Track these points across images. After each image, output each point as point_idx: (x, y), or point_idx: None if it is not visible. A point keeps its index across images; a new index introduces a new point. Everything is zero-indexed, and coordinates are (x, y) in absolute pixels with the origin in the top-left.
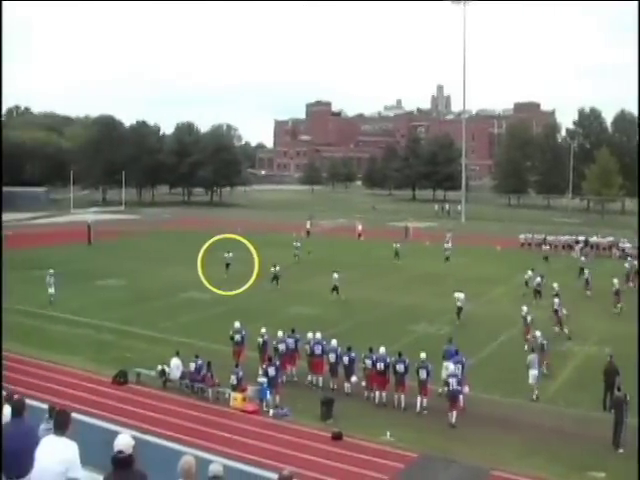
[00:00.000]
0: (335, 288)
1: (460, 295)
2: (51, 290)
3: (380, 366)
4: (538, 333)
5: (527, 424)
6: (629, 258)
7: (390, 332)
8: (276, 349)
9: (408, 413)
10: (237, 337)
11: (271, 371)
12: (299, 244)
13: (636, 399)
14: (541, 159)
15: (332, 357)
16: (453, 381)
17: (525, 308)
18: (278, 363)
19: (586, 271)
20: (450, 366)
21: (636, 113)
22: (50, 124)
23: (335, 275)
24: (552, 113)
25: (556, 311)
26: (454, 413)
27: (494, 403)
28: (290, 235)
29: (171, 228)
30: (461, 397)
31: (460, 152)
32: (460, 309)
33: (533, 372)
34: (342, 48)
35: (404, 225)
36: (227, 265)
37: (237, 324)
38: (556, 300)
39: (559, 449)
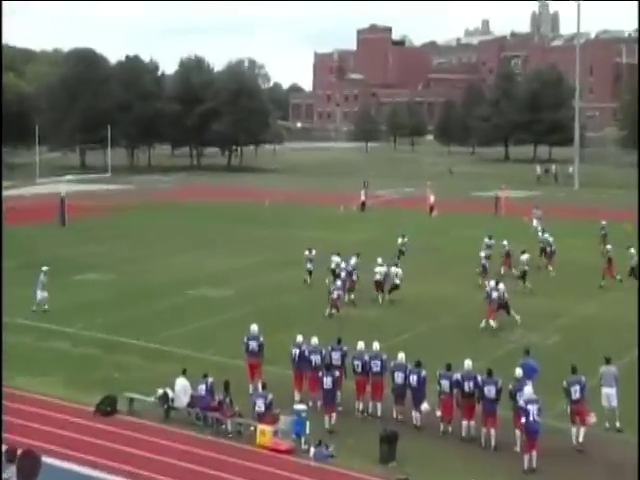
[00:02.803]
0: (336, 273)
1: None
2: (43, 294)
3: (468, 386)
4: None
5: None
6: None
7: (475, 342)
8: (310, 361)
9: (500, 454)
10: (252, 345)
11: (327, 382)
12: (313, 254)
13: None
14: None
15: (399, 377)
16: (533, 409)
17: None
18: (334, 376)
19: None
20: (528, 388)
21: None
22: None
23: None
24: None
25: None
26: (533, 454)
27: (624, 442)
28: (337, 210)
29: (175, 201)
30: (573, 431)
31: (572, 92)
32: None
33: (607, 391)
34: None
35: (493, 195)
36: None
37: (254, 328)
38: None
39: None
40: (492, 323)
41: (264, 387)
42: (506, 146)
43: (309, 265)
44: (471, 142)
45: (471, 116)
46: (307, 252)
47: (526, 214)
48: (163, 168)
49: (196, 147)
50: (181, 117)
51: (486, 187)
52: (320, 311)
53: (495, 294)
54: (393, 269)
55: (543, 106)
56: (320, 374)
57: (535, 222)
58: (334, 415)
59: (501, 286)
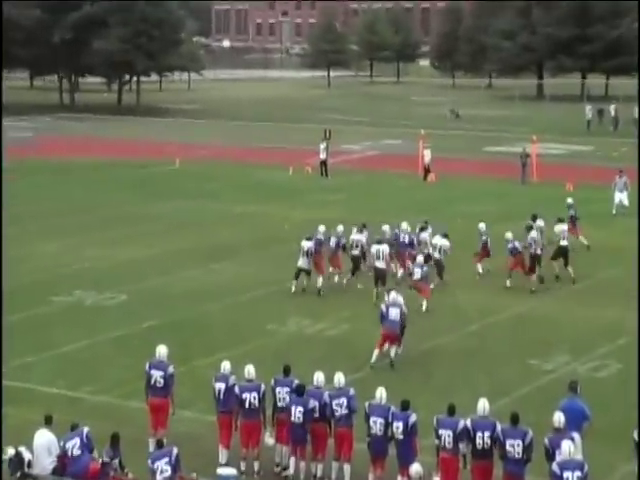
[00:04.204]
0: (302, 272)
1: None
2: None
3: (482, 439)
4: None
5: None
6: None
7: (492, 372)
8: (242, 402)
9: None
10: (156, 377)
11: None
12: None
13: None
14: None
15: (376, 424)
16: (572, 477)
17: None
18: (307, 406)
19: None
20: (566, 445)
21: None
22: None
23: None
24: None
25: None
26: None
27: None
28: (284, 173)
29: (36, 158)
30: None
31: None
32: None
33: None
34: None
35: (520, 151)
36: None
37: (162, 351)
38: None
39: None
40: (374, 355)
41: (160, 445)
42: (540, 77)
43: (305, 264)
44: (487, 70)
45: (487, 32)
46: (306, 243)
47: (569, 179)
48: (17, 107)
49: (68, 76)
50: (45, 30)
51: (508, 139)
52: (260, 324)
53: (393, 313)
54: (375, 247)
55: (597, 17)
56: (259, 420)
57: (617, 197)
58: (303, 464)
59: (399, 299)
